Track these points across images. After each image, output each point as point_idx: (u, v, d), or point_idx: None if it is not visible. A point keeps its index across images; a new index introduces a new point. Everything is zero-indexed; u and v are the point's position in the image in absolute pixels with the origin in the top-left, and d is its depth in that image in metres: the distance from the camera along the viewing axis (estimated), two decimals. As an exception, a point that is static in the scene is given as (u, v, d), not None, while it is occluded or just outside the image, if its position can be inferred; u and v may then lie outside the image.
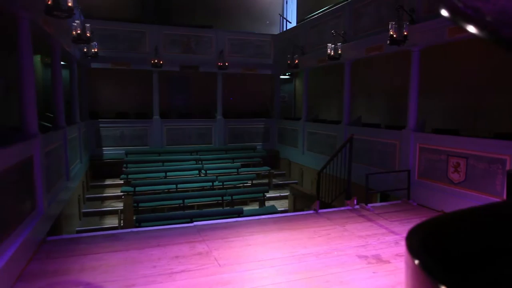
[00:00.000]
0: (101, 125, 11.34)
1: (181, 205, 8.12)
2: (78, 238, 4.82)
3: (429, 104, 8.01)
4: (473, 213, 1.46)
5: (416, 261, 0.97)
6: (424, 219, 1.32)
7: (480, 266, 1.30)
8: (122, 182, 9.94)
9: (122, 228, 7.17)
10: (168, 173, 10.03)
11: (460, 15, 1.00)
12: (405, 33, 6.19)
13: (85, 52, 9.31)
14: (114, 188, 10.17)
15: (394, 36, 6.22)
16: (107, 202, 9.45)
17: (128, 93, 12.79)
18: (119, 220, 7.70)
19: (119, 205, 8.58)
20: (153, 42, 11.51)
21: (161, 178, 9.81)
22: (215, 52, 12.23)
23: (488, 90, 7.02)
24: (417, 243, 1.12)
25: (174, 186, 9.09)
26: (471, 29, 0.96)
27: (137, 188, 8.81)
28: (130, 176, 9.74)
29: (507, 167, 4.99)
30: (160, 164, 10.73)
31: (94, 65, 10.93)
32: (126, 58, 11.30)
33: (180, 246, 4.46)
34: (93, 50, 9.24)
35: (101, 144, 11.33)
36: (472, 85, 7.30)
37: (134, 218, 6.89)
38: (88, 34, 6.87)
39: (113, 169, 10.80)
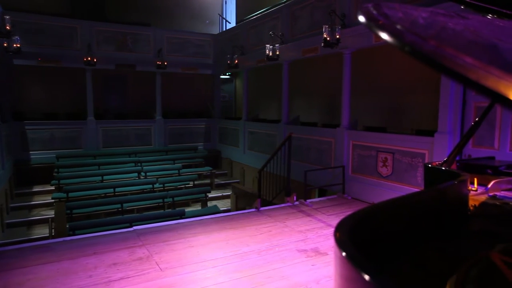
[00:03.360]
0: (27, 127, 10.48)
1: (120, 209, 7.80)
2: (0, 252, 4.42)
3: (361, 104, 8.54)
4: (394, 203, 1.62)
5: (343, 253, 1.06)
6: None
7: (399, 250, 1.44)
8: (53, 188, 9.27)
9: (53, 237, 6.70)
10: (105, 177, 9.56)
11: (374, 21, 1.11)
12: (337, 36, 6.55)
13: (5, 47, 8.53)
14: (43, 195, 9.46)
15: (328, 39, 6.55)
16: (35, 211, 8.77)
17: (59, 92, 11.95)
18: (50, 229, 7.19)
19: (50, 213, 8.01)
20: (85, 38, 10.88)
21: (97, 182, 9.32)
22: (153, 51, 11.90)
23: (410, 91, 7.65)
24: (344, 235, 1.22)
25: (111, 190, 8.69)
26: (384, 35, 1.07)
27: (70, 194, 8.29)
28: (62, 181, 9.13)
29: (426, 161, 5.53)
30: (96, 167, 10.19)
31: (17, 61, 10.06)
32: (55, 55, 10.55)
33: (118, 252, 4.30)
34: (15, 45, 8.48)
35: (27, 148, 10.47)
36: (397, 86, 7.91)
37: (67, 226, 6.48)
38: (8, 27, 6.31)
39: (43, 174, 10.04)
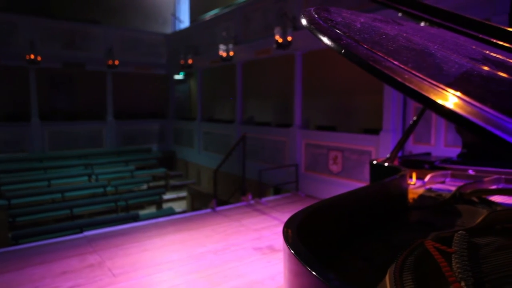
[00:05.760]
0: (-39, 130, 9.69)
1: (69, 215, 7.45)
2: None
3: (313, 104, 8.80)
4: (340, 198, 1.70)
5: (291, 250, 1.11)
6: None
7: (345, 243, 1.53)
8: (-8, 195, 8.67)
9: (-6, 248, 6.26)
10: (52, 181, 9.08)
11: (314, 24, 1.18)
12: (289, 38, 6.71)
13: None
14: (-18, 203, 8.79)
15: (280, 40, 6.69)
16: (-27, 220, 8.12)
17: (-2, 92, 11.15)
18: (-10, 239, 6.71)
19: (-10, 222, 7.47)
20: (27, 35, 10.22)
21: (44, 187, 8.83)
22: (104, 50, 11.45)
23: (358, 91, 8.01)
24: (292, 232, 1.27)
25: (59, 195, 8.28)
26: (322, 38, 1.14)
27: (13, 201, 7.78)
28: (3, 187, 8.54)
29: (373, 157, 5.84)
30: (42, 171, 9.64)
31: None
32: (-8, 52, 9.83)
33: (68, 260, 4.11)
34: None
35: (-38, 153, 9.68)
36: (346, 87, 8.25)
37: (10, 235, 6.09)
38: None
39: (-20, 181, 9.33)
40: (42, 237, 5.69)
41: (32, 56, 9.76)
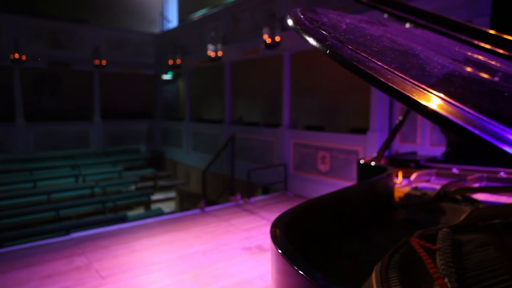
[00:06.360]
0: None
1: (56, 217, 7.34)
2: None
3: (301, 104, 8.84)
4: (327, 197, 1.72)
5: (278, 249, 1.11)
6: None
7: (332, 241, 1.54)
8: (-25, 197, 8.48)
9: (-23, 251, 6.13)
10: (38, 183, 8.93)
11: (300, 25, 1.19)
12: (277, 39, 6.73)
13: None
14: (-35, 205, 8.60)
15: (268, 41, 6.71)
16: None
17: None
18: (-27, 242, 6.56)
19: (-27, 225, 7.32)
20: (11, 34, 10.02)
21: (30, 189, 8.68)
22: (91, 49, 11.30)
23: (345, 91, 8.07)
24: (279, 232, 1.28)
25: (45, 196, 8.14)
26: (308, 39, 1.15)
27: (-3, 203, 7.64)
28: (-14, 189, 8.37)
29: (360, 157, 5.91)
30: (27, 173, 9.47)
31: None
32: (-26, 52, 9.62)
33: (54, 262, 4.05)
34: None
35: None
36: (333, 87, 8.30)
37: (-6, 237, 5.98)
38: None
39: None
40: (28, 239, 5.60)
41: (17, 56, 9.57)
